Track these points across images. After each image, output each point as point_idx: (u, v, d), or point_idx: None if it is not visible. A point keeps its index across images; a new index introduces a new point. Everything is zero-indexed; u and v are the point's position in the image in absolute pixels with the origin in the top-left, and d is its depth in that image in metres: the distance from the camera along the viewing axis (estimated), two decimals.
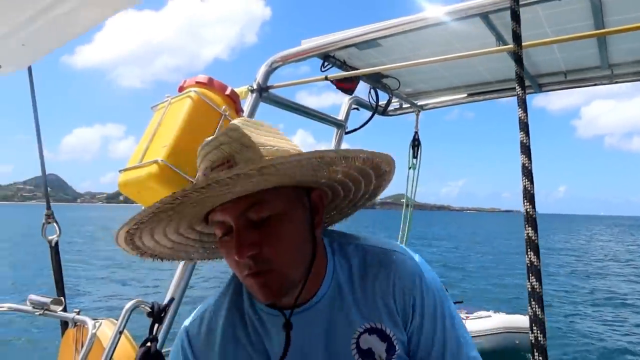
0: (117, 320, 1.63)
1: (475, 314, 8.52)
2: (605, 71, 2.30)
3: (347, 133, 2.58)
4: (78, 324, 1.82)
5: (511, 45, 0.89)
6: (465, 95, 2.69)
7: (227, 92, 1.89)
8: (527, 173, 0.76)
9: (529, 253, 0.73)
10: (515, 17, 0.85)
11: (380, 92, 2.51)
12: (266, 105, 2.10)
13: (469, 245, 38.25)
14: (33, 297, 1.92)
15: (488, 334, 8.00)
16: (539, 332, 0.71)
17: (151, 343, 1.52)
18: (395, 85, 2.47)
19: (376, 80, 2.44)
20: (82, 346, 1.76)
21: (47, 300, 1.88)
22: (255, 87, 2.04)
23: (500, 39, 1.93)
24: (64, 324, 2.04)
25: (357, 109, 2.60)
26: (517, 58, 0.83)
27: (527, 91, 2.57)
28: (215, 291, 1.04)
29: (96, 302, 13.24)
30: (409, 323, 0.93)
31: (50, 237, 2.15)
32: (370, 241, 0.99)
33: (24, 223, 57.83)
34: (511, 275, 20.70)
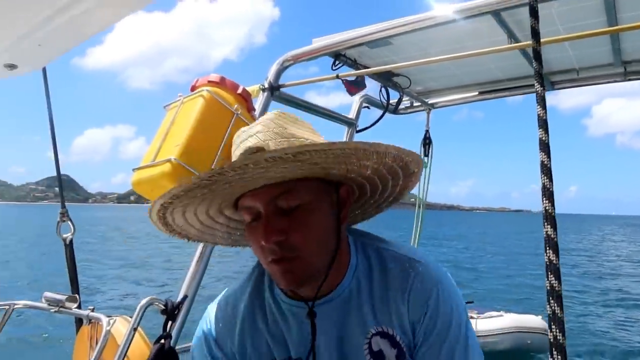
0: (131, 317, 1.65)
1: (486, 314, 8.48)
2: (618, 68, 2.28)
3: (358, 132, 2.58)
4: (92, 321, 1.84)
5: (529, 42, 0.89)
6: (477, 93, 2.67)
7: (239, 91, 1.90)
8: (547, 171, 0.75)
9: (547, 251, 0.72)
10: (534, 13, 0.85)
11: (391, 91, 2.50)
12: (277, 104, 2.11)
13: (479, 245, 38.02)
14: (48, 294, 1.95)
15: (500, 334, 7.96)
16: (557, 331, 0.70)
17: (165, 340, 1.53)
18: (406, 83, 2.46)
19: (387, 78, 2.44)
20: (96, 343, 1.78)
21: (62, 297, 1.90)
22: (266, 85, 2.05)
23: (511, 37, 1.92)
24: (79, 321, 2.07)
25: (367, 107, 2.61)
26: (536, 54, 0.82)
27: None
28: (239, 277, 1.07)
29: (110, 301, 13.39)
30: (418, 336, 0.92)
31: (64, 235, 2.18)
32: (395, 247, 0.98)
33: (38, 223, 58.47)
34: (522, 276, 20.57)
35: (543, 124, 0.78)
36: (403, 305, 0.91)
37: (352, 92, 2.30)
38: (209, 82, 1.89)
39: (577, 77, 2.38)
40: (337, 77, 2.08)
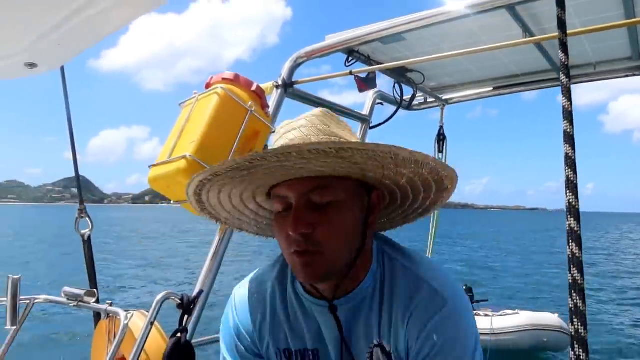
0: (147, 312, 1.68)
1: (501, 312, 8.41)
2: (636, 62, 2.24)
3: (371, 128, 2.58)
4: (110, 315, 1.87)
5: (554, 34, 0.88)
6: (491, 88, 2.65)
7: (253, 88, 1.91)
8: (571, 163, 0.74)
9: (570, 244, 0.72)
10: (560, 3, 0.85)
11: (404, 87, 2.50)
12: (291, 101, 2.12)
13: (494, 244, 37.69)
14: (67, 289, 1.99)
15: (516, 331, 7.89)
16: (579, 324, 0.69)
17: (181, 334, 1.56)
18: (420, 79, 2.45)
19: (400, 74, 2.43)
20: (114, 336, 1.81)
21: (81, 292, 1.94)
22: (280, 82, 2.06)
23: (526, 31, 1.90)
24: (97, 316, 2.10)
25: (381, 103, 2.60)
26: (563, 45, 0.82)
27: (554, 84, 2.53)
28: (264, 264, 1.09)
29: (127, 299, 13.59)
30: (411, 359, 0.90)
31: (83, 231, 2.22)
32: (413, 262, 0.95)
33: (56, 224, 59.50)
34: (538, 274, 20.34)
35: (568, 115, 0.78)
36: (402, 326, 0.90)
37: (362, 89, 2.30)
38: (224, 79, 1.90)
39: (594, 71, 2.35)
40: (351, 73, 2.08)
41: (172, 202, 1.88)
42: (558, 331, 7.89)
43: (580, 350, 0.70)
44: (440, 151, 2.82)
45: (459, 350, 0.87)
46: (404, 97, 2.53)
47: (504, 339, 7.90)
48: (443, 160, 2.81)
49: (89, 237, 2.23)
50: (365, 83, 2.23)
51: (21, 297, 1.93)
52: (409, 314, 0.89)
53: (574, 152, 0.77)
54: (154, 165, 1.83)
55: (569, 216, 0.72)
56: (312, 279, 0.88)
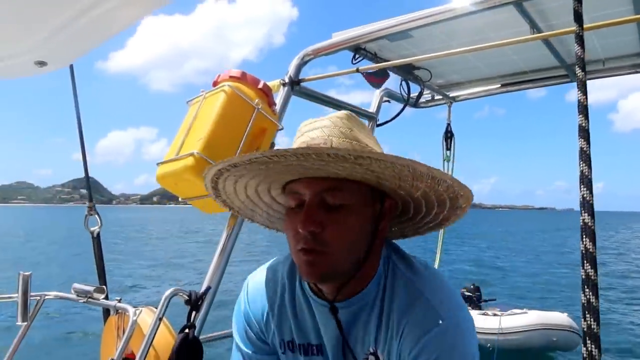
0: (156, 308, 1.69)
1: (510, 312, 8.37)
2: None
3: (378, 125, 2.58)
4: (120, 311, 1.89)
5: (572, 28, 0.88)
6: (499, 85, 2.64)
7: (260, 85, 1.92)
8: (586, 158, 0.74)
9: (584, 239, 0.72)
10: None
11: (412, 84, 2.49)
12: (298, 99, 2.12)
13: (502, 243, 37.50)
14: (77, 285, 2.01)
15: (525, 330, 7.84)
16: (592, 320, 0.69)
17: (189, 330, 1.57)
18: (427, 76, 2.45)
19: (407, 71, 2.43)
20: (123, 332, 1.82)
21: (90, 288, 1.96)
22: (287, 80, 2.07)
23: (534, 27, 1.89)
24: (106, 312, 2.12)
25: (388, 101, 2.60)
26: (579, 39, 0.81)
27: (562, 81, 2.51)
28: (276, 257, 1.11)
29: (137, 298, 13.70)
30: None
31: (92, 228, 2.24)
32: (416, 273, 0.94)
33: (66, 225, 60.03)
34: (547, 274, 20.20)
35: (583, 110, 0.77)
36: (396, 338, 0.90)
37: (374, 83, 2.30)
38: (231, 77, 1.91)
39: (602, 67, 2.33)
40: (358, 70, 2.09)
41: (180, 199, 1.90)
42: (568, 330, 7.83)
43: (593, 346, 0.70)
44: (448, 148, 2.81)
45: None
46: (411, 95, 2.52)
47: (513, 338, 7.86)
48: (451, 158, 2.81)
49: (98, 234, 2.26)
50: (376, 76, 2.23)
51: (32, 294, 1.95)
52: (403, 326, 0.89)
53: (589, 147, 0.77)
54: (162, 163, 1.85)
55: (583, 211, 0.72)
56: (314, 278, 0.89)
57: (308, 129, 0.93)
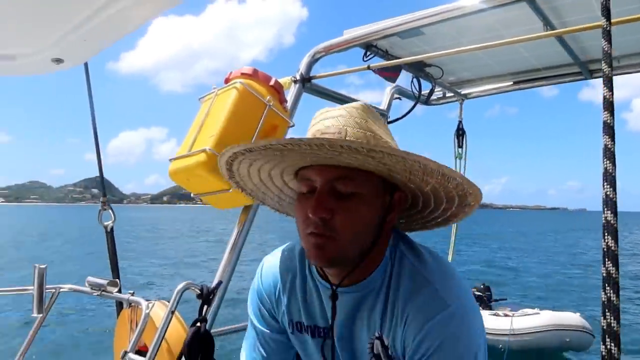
0: (168, 301, 1.71)
1: (520, 312, 8.30)
2: None
3: (389, 123, 2.57)
4: (132, 304, 1.92)
5: (600, 22, 0.88)
6: (511, 83, 2.62)
7: (271, 82, 1.93)
8: (610, 155, 0.74)
9: (606, 237, 0.72)
10: None
11: (423, 81, 2.49)
12: (309, 96, 2.13)
13: (514, 244, 37.19)
14: (91, 279, 2.05)
15: (537, 332, 7.78)
16: (612, 317, 0.69)
17: (201, 323, 1.59)
18: (439, 73, 2.44)
19: (419, 69, 2.43)
20: (136, 325, 1.85)
21: (104, 282, 2.00)
22: (298, 77, 2.08)
23: (547, 24, 1.87)
24: (119, 305, 2.16)
25: (399, 98, 2.60)
26: (606, 34, 0.81)
27: (576, 78, 2.49)
28: (291, 242, 1.14)
29: (149, 297, 13.86)
30: (407, 357, 0.90)
31: (105, 223, 2.28)
32: (423, 263, 0.95)
33: (78, 224, 60.77)
34: (559, 274, 20.01)
35: (609, 106, 0.77)
36: (400, 324, 0.91)
37: (388, 77, 2.30)
38: (242, 74, 1.93)
39: (617, 64, 2.30)
40: (369, 67, 2.09)
41: (192, 194, 1.92)
42: (581, 331, 7.75)
43: (612, 344, 0.69)
44: (460, 146, 2.80)
45: (461, 350, 0.85)
46: (422, 92, 2.52)
47: (525, 339, 7.80)
48: (463, 155, 2.79)
49: (112, 228, 2.29)
50: (388, 71, 2.23)
51: (47, 286, 1.99)
52: (407, 312, 0.90)
53: (614, 144, 0.76)
54: (175, 159, 1.87)
55: (605, 209, 0.72)
56: (321, 261, 0.91)
57: (323, 117, 0.94)
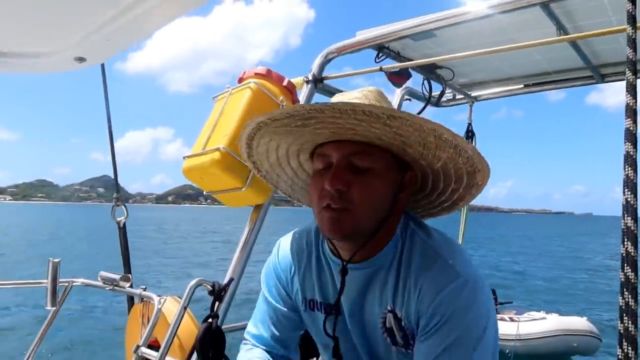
0: (179, 297, 1.74)
1: (526, 315, 8.27)
2: None
3: None
4: (144, 299, 1.95)
5: (623, 26, 0.89)
6: (522, 86, 2.62)
7: (285, 83, 1.96)
8: (632, 162, 0.75)
9: (625, 243, 0.73)
10: None
11: (433, 83, 2.49)
12: (321, 96, 2.15)
13: (520, 249, 37.02)
14: (103, 273, 2.07)
15: (544, 337, 7.75)
16: (629, 322, 0.71)
17: (212, 319, 1.61)
18: (449, 75, 2.45)
19: (430, 70, 2.43)
20: (148, 320, 1.88)
21: (116, 276, 2.03)
22: (310, 78, 2.10)
23: (560, 28, 1.88)
24: (130, 300, 2.19)
25: (409, 99, 2.61)
26: (631, 40, 0.83)
27: (587, 82, 2.49)
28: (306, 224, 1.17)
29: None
30: (420, 327, 0.92)
31: (118, 219, 2.31)
32: (435, 240, 0.98)
33: (84, 224, 61.10)
34: (564, 278, 19.90)
35: (632, 113, 0.78)
36: (414, 296, 0.93)
37: (396, 83, 2.31)
38: (256, 74, 1.95)
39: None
40: (381, 69, 2.10)
41: (204, 192, 1.94)
42: (588, 335, 7.71)
43: (630, 348, 0.71)
44: None
45: (471, 320, 0.87)
46: (433, 94, 2.52)
47: (532, 344, 7.77)
48: None
49: (124, 224, 2.32)
50: (398, 75, 2.25)
51: (60, 280, 2.02)
52: (420, 284, 0.92)
53: (636, 151, 0.77)
54: (189, 157, 1.90)
55: (625, 215, 0.73)
56: (336, 234, 0.93)
57: (339, 100, 0.99)
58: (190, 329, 1.76)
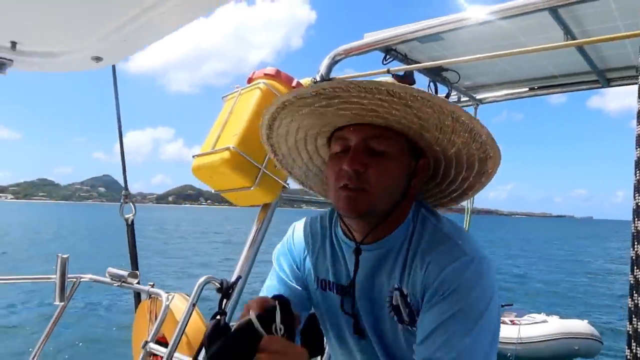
0: (187, 294, 1.76)
1: (527, 317, 8.27)
2: None
3: None
4: (152, 296, 1.97)
5: (634, 32, 0.90)
6: (527, 89, 2.64)
7: (293, 83, 1.98)
8: None
9: (636, 246, 0.75)
10: None
11: (439, 85, 2.51)
12: None
13: (520, 252, 37.00)
14: (112, 269, 2.10)
15: (545, 340, 7.75)
16: (638, 323, 0.72)
17: (220, 316, 1.63)
18: (455, 78, 2.47)
19: (436, 73, 2.45)
20: (155, 317, 1.90)
21: (124, 273, 2.05)
22: (318, 79, 2.12)
23: (568, 33, 1.89)
24: (137, 296, 2.21)
25: None
26: None
27: (593, 86, 2.50)
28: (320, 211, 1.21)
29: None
30: (425, 300, 0.94)
31: (127, 216, 2.33)
32: (444, 224, 1.01)
33: (85, 223, 61.06)
34: (564, 281, 19.89)
35: None
36: (420, 271, 0.95)
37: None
38: (265, 74, 1.97)
39: (635, 73, 2.31)
40: (388, 71, 2.12)
41: (213, 191, 1.96)
42: (590, 338, 7.71)
43: (638, 349, 0.72)
44: None
45: (474, 297, 0.88)
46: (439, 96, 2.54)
47: (533, 348, 7.77)
48: None
49: (132, 221, 2.34)
50: (403, 80, 2.26)
51: (68, 275, 2.05)
52: (428, 261, 0.94)
53: None
54: (198, 156, 1.92)
55: (636, 219, 0.75)
56: (352, 212, 0.96)
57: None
58: (197, 326, 1.78)
